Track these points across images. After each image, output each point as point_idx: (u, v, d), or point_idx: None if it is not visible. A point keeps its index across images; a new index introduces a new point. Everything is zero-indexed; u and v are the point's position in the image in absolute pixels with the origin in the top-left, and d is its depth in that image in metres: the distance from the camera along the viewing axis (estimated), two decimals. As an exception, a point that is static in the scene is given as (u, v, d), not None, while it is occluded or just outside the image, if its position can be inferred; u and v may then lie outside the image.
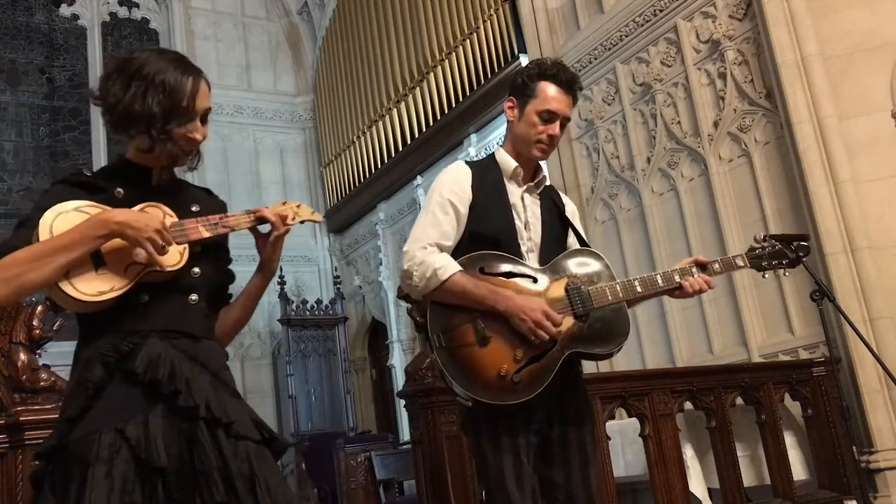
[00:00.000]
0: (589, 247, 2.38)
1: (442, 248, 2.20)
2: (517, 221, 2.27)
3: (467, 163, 2.37)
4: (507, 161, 2.33)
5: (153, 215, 1.65)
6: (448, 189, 2.26)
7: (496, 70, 7.87)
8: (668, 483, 3.76)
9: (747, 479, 4.14)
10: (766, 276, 2.50)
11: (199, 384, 1.61)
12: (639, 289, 2.24)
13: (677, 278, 2.30)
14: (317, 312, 10.11)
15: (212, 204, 1.88)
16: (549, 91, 2.27)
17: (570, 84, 2.30)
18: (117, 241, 1.60)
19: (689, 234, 5.68)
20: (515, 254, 2.22)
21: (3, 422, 2.81)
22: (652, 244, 5.92)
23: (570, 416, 2.23)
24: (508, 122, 2.36)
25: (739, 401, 4.27)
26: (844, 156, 4.73)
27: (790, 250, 2.48)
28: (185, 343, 1.66)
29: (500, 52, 7.83)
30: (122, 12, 11.66)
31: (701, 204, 5.65)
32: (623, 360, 5.77)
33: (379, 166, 9.92)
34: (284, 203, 1.91)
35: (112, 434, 1.52)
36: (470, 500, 3.31)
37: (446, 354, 2.09)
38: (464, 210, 2.24)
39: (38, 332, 2.92)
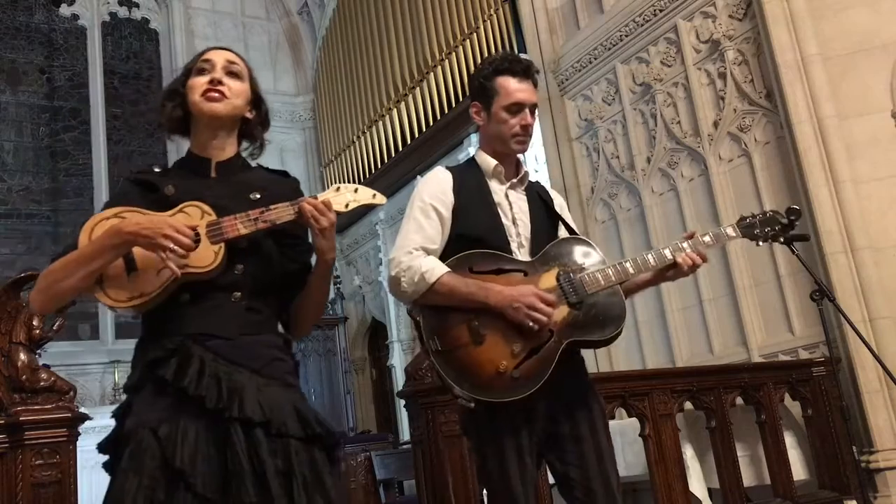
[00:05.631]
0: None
1: (428, 252, 2.16)
2: (504, 219, 2.25)
3: (448, 168, 2.35)
4: (487, 160, 2.32)
5: (161, 219, 1.61)
6: (429, 194, 2.23)
7: (496, 70, 7.86)
8: (668, 483, 3.76)
9: (747, 479, 4.14)
10: (761, 245, 2.45)
11: (232, 385, 1.59)
12: (631, 270, 2.19)
13: (668, 255, 2.24)
14: (317, 312, 10.09)
15: (280, 189, 1.78)
16: (510, 84, 2.25)
17: (526, 71, 2.28)
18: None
19: (689, 234, 5.67)
20: (505, 251, 2.19)
21: (3, 422, 2.80)
22: (652, 244, 5.91)
23: (576, 408, 2.17)
24: (479, 126, 2.36)
25: (739, 401, 4.27)
26: (844, 156, 4.73)
27: (782, 216, 2.43)
28: (219, 344, 1.63)
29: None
30: (122, 12, 11.66)
31: (701, 204, 5.65)
32: (623, 360, 5.78)
33: (379, 166, 9.91)
34: (338, 189, 1.79)
35: (145, 432, 1.55)
36: (470, 501, 3.30)
37: (442, 358, 2.05)
38: (447, 213, 2.21)
39: (38, 332, 2.92)
